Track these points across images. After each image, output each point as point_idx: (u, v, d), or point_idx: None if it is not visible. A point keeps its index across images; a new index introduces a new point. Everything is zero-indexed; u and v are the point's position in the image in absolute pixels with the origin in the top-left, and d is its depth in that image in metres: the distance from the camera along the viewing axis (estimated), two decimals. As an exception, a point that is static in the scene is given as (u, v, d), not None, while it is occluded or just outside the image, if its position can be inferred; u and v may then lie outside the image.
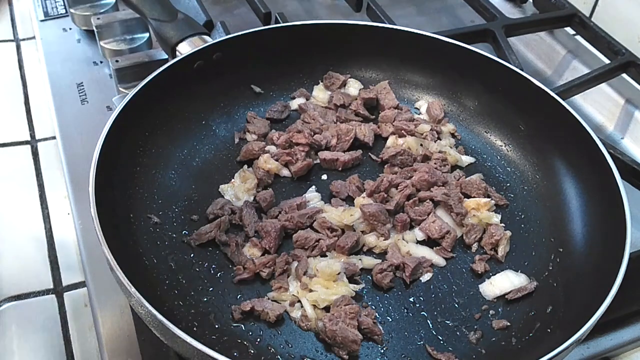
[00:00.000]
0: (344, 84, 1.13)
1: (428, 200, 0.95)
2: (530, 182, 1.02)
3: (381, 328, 0.82)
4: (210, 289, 0.85)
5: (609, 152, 0.92)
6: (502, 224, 0.95)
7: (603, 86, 1.24)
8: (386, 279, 0.86)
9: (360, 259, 0.89)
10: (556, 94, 1.00)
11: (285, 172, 1.01)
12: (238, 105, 1.09)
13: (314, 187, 0.99)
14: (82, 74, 1.22)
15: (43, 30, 1.32)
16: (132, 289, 0.70)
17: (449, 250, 0.91)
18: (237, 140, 1.05)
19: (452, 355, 0.80)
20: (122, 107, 0.90)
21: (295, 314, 0.83)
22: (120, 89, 1.15)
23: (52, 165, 1.11)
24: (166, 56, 1.12)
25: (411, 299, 0.87)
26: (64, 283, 0.94)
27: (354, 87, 1.13)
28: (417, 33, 1.10)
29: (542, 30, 1.39)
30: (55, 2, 1.38)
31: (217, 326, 0.81)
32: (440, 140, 1.07)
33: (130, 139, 0.93)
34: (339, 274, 0.85)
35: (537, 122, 1.03)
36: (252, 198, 0.96)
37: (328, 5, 1.48)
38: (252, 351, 0.79)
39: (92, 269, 0.91)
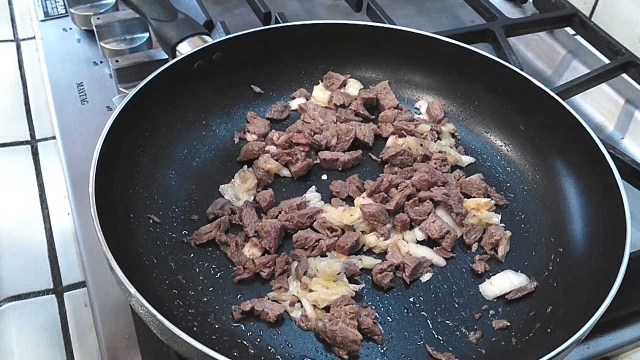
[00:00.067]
0: (344, 84, 1.13)
1: (428, 200, 0.95)
2: (530, 182, 1.02)
3: (381, 328, 0.82)
4: (210, 289, 0.85)
5: (609, 152, 0.92)
6: (502, 224, 0.95)
7: (603, 86, 1.24)
8: (386, 279, 0.86)
9: (360, 259, 0.89)
10: (556, 94, 1.00)
11: (285, 172, 1.01)
12: (238, 105, 1.09)
13: (314, 187, 0.99)
14: (82, 74, 1.22)
15: (43, 30, 1.32)
16: (132, 289, 0.70)
17: (449, 250, 0.91)
18: (237, 140, 1.05)
19: (452, 355, 0.80)
20: (122, 107, 0.90)
21: (295, 314, 0.83)
22: (120, 89, 1.15)
23: (52, 165, 1.11)
24: (166, 56, 1.12)
25: (411, 299, 0.87)
26: (64, 283, 0.94)
27: (354, 87, 1.13)
28: (417, 33, 1.10)
29: (542, 30, 1.39)
30: (55, 2, 1.38)
31: (217, 326, 0.81)
32: (440, 140, 1.07)
33: (130, 139, 0.93)
34: (339, 274, 0.85)
35: (537, 122, 1.03)
36: (252, 198, 0.96)
37: (328, 5, 1.48)
38: (252, 351, 0.79)
39: (92, 269, 0.91)
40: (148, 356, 0.82)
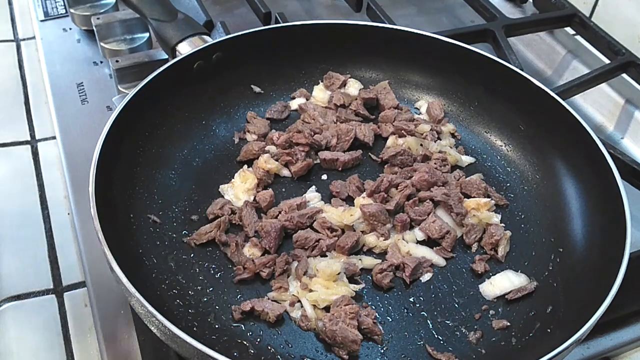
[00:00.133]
0: (344, 84, 1.13)
1: (428, 200, 0.95)
2: (530, 182, 1.02)
3: (381, 328, 0.82)
4: (210, 289, 0.85)
5: (609, 152, 0.92)
6: (502, 224, 0.95)
7: (603, 86, 1.24)
8: (386, 279, 0.86)
9: (360, 259, 0.89)
10: (556, 94, 1.00)
11: (285, 172, 1.01)
12: (238, 105, 1.09)
13: (314, 187, 0.99)
14: (82, 74, 1.22)
15: (43, 30, 1.32)
16: (132, 289, 0.70)
17: (449, 250, 0.91)
18: (237, 140, 1.05)
19: (452, 355, 0.80)
20: (122, 107, 0.90)
21: (295, 314, 0.83)
22: (120, 89, 1.15)
23: (52, 165, 1.11)
24: (166, 56, 1.12)
25: (411, 299, 0.87)
26: (64, 283, 0.94)
27: (354, 87, 1.13)
28: (417, 33, 1.10)
29: (542, 30, 1.39)
30: (55, 2, 1.38)
31: (217, 326, 0.81)
32: (440, 140, 1.07)
33: (130, 139, 0.93)
34: (339, 274, 0.85)
35: (537, 122, 1.03)
36: (252, 198, 0.96)
37: (328, 5, 1.48)
38: (252, 351, 0.79)
39: (92, 269, 0.91)
40: (148, 356, 0.82)
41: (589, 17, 1.42)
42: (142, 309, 0.71)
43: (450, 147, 1.06)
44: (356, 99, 1.11)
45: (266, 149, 1.02)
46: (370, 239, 0.92)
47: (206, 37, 1.05)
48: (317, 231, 0.92)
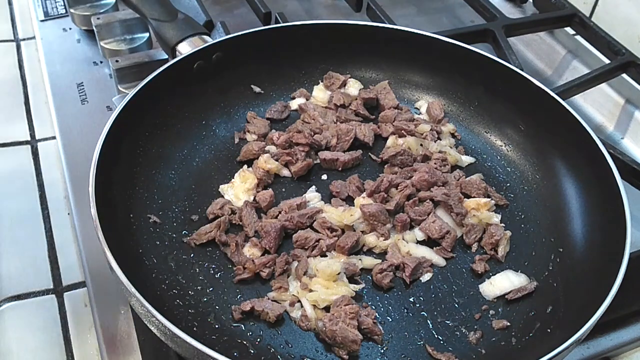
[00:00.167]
0: (344, 84, 1.13)
1: (428, 200, 0.95)
2: (530, 182, 1.01)
3: (381, 328, 0.82)
4: (210, 289, 0.85)
5: (609, 152, 0.92)
6: (502, 224, 0.95)
7: (603, 86, 1.24)
8: (386, 279, 0.86)
9: (360, 259, 0.89)
10: (556, 94, 1.00)
11: (285, 172, 1.01)
12: (238, 105, 1.10)
13: (314, 187, 0.99)
14: (82, 74, 1.22)
15: (43, 30, 1.32)
16: (132, 289, 0.70)
17: (449, 250, 0.91)
18: (237, 140, 1.05)
19: (452, 355, 0.80)
20: (122, 107, 0.90)
21: (295, 314, 0.83)
22: (120, 89, 1.15)
23: (52, 165, 1.11)
24: (166, 56, 1.12)
25: (411, 299, 0.87)
26: (64, 283, 0.94)
27: (354, 87, 1.13)
28: (417, 33, 1.10)
29: (542, 30, 1.39)
30: (55, 2, 1.38)
31: (217, 326, 0.81)
32: (440, 140, 1.07)
33: (130, 139, 0.93)
34: (339, 274, 0.85)
35: (537, 122, 1.03)
36: (252, 198, 0.96)
37: (328, 5, 1.48)
38: (252, 351, 0.79)
39: (92, 269, 0.91)
40: (148, 356, 0.82)
41: (589, 17, 1.42)
42: (142, 309, 0.71)
43: (450, 147, 1.06)
44: (356, 99, 1.11)
45: (266, 149, 1.02)
46: (370, 239, 0.92)
47: (206, 37, 1.05)
48: (317, 231, 0.92)
